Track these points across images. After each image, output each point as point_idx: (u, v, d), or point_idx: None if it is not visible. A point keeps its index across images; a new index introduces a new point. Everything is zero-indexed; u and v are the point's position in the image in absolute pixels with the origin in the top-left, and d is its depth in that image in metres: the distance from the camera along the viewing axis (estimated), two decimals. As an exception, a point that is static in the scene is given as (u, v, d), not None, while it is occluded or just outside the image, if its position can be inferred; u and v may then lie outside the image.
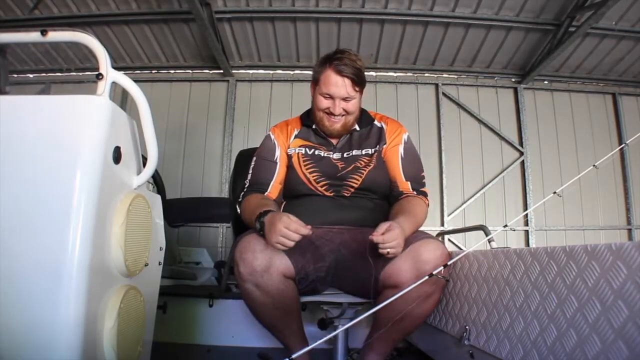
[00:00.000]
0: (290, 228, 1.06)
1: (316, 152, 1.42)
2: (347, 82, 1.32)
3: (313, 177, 1.37)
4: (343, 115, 1.37)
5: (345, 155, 1.41)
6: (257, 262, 1.15)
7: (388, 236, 1.08)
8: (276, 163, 1.42)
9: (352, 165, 1.38)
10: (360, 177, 1.36)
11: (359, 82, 1.35)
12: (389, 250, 1.09)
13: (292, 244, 1.08)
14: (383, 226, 1.10)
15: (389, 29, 4.24)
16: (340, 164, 1.39)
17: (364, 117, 1.49)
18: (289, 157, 1.43)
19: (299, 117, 1.52)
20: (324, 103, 1.36)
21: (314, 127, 1.45)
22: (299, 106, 4.72)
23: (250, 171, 1.45)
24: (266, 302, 1.21)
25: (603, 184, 4.65)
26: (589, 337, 0.77)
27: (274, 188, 1.40)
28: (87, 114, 0.96)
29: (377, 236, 1.08)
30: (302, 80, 4.82)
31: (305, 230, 1.07)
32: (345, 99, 1.35)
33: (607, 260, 0.75)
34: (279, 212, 1.16)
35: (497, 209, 4.64)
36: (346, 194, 1.36)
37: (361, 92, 1.40)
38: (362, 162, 1.39)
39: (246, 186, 1.43)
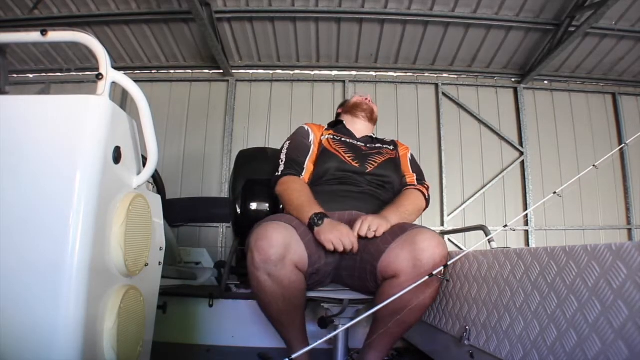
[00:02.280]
0: (351, 238, 1.22)
1: (343, 139, 1.64)
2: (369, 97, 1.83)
3: (342, 150, 1.57)
4: (372, 106, 1.75)
5: (368, 145, 1.66)
6: (272, 251, 1.14)
7: (363, 227, 1.26)
8: (311, 144, 1.59)
9: (375, 150, 1.63)
10: (382, 158, 1.59)
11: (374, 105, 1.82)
12: (374, 232, 1.25)
13: (341, 248, 1.21)
14: (357, 223, 1.28)
15: (389, 28, 4.25)
16: (364, 148, 1.63)
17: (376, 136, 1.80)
18: (321, 143, 1.61)
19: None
20: (358, 98, 1.78)
21: (341, 124, 1.73)
22: (299, 106, 4.74)
23: (285, 151, 1.56)
24: (276, 293, 1.19)
25: (603, 184, 4.66)
26: (589, 337, 0.77)
27: (308, 169, 1.52)
28: (87, 114, 0.96)
29: (357, 232, 1.26)
30: (302, 80, 4.83)
31: (356, 246, 1.23)
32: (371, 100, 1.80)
33: (607, 260, 0.75)
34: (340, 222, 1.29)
35: (497, 209, 4.64)
36: (369, 168, 1.53)
37: (376, 113, 1.80)
38: (383, 150, 1.65)
39: (282, 163, 1.52)
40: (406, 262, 1.15)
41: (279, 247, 1.14)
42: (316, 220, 1.26)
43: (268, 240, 1.14)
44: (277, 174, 1.50)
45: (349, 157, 1.55)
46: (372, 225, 1.25)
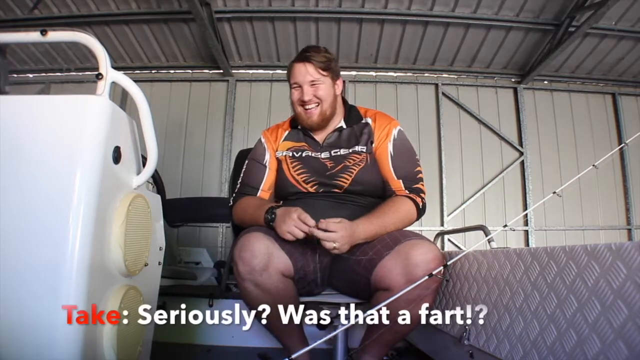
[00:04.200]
0: (301, 218, 1.13)
1: (304, 154, 1.40)
2: (310, 67, 1.33)
3: (302, 177, 1.36)
4: (316, 104, 1.35)
5: (333, 153, 1.38)
6: (256, 261, 1.15)
7: (331, 233, 1.12)
8: (266, 166, 1.42)
9: (342, 165, 1.35)
10: (350, 176, 1.33)
11: (323, 67, 1.34)
12: (334, 245, 1.13)
13: (301, 234, 1.13)
14: (324, 223, 1.13)
15: (388, 28, 4.24)
16: (329, 163, 1.37)
17: (352, 115, 1.45)
18: (279, 161, 1.43)
19: (290, 119, 1.51)
20: (295, 94, 1.36)
21: (299, 127, 1.45)
22: (298, 106, 4.73)
23: (242, 174, 1.46)
24: (265, 301, 1.19)
25: (603, 184, 4.65)
26: (588, 337, 0.77)
27: (263, 193, 1.41)
28: (87, 114, 0.96)
29: (317, 232, 1.13)
30: (302, 80, 4.82)
31: (312, 225, 1.13)
32: (312, 84, 1.33)
33: (607, 260, 0.75)
34: (291, 206, 1.19)
35: (497, 209, 4.64)
36: (337, 192, 1.34)
37: (332, 78, 1.37)
38: (351, 161, 1.35)
39: (237, 188, 1.44)
40: (399, 277, 1.13)
41: (262, 256, 1.15)
42: (270, 217, 1.20)
43: (251, 251, 1.15)
44: (229, 204, 1.43)
45: (311, 186, 1.34)
46: (336, 241, 1.13)
